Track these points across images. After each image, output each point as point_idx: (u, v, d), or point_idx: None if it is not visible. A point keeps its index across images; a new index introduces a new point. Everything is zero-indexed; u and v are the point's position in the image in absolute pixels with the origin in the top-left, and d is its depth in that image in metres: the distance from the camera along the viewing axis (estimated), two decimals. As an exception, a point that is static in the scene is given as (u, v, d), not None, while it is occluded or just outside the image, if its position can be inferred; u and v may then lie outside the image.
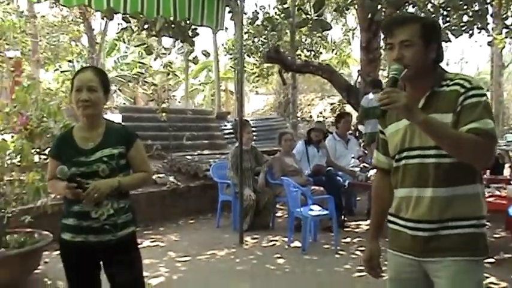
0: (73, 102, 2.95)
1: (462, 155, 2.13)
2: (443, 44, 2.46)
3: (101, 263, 3.03)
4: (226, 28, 9.15)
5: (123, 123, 10.99)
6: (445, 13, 10.19)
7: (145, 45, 9.12)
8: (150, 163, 3.24)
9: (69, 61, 22.31)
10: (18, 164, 4.89)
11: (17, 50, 14.89)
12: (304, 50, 17.90)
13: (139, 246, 3.15)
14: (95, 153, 2.90)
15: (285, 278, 5.38)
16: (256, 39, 16.49)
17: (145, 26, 8.29)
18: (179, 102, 27.04)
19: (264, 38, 16.13)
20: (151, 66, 24.06)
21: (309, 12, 9.41)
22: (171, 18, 6.31)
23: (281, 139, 7.71)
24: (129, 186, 3.03)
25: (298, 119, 18.38)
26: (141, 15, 6.09)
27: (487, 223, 2.32)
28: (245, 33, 15.06)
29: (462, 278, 2.20)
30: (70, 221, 2.95)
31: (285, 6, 10.22)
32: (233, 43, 19.08)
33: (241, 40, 7.20)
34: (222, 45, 23.79)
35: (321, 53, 18.61)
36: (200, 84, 30.44)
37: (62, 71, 22.40)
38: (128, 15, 7.79)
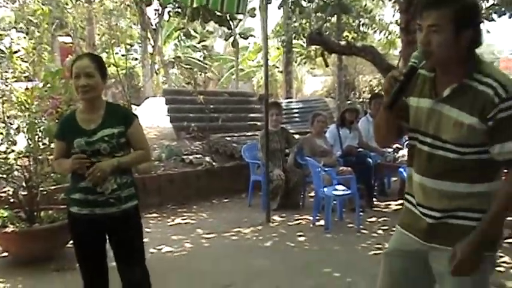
0: (73, 88, 3.25)
1: None
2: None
3: (106, 235, 3.31)
4: (254, 14, 9.17)
5: (167, 106, 11.42)
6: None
7: (184, 29, 9.36)
8: (147, 141, 3.48)
9: (130, 45, 22.76)
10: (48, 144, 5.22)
11: (68, 35, 15.45)
12: (352, 32, 17.74)
13: (141, 218, 3.42)
14: (96, 133, 3.16)
15: (302, 254, 5.56)
16: (304, 21, 16.46)
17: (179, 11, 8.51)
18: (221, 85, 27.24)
19: (310, 20, 16.08)
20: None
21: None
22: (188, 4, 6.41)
23: (314, 120, 7.81)
24: (128, 164, 3.30)
25: (353, 100, 18.30)
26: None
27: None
28: (292, 15, 15.11)
29: None
30: (77, 196, 3.23)
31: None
32: (281, 26, 19.08)
33: (265, 24, 7.31)
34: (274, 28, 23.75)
35: (368, 34, 18.39)
36: (256, 67, 30.35)
37: (122, 55, 22.94)
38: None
